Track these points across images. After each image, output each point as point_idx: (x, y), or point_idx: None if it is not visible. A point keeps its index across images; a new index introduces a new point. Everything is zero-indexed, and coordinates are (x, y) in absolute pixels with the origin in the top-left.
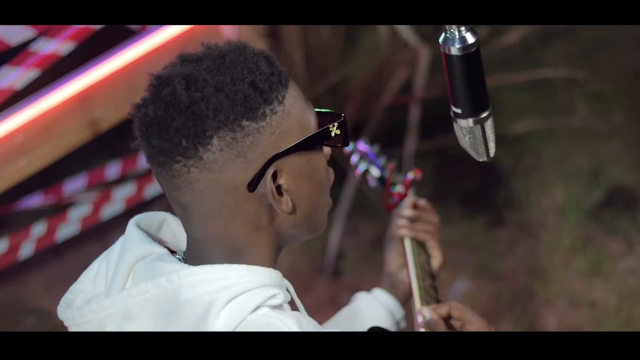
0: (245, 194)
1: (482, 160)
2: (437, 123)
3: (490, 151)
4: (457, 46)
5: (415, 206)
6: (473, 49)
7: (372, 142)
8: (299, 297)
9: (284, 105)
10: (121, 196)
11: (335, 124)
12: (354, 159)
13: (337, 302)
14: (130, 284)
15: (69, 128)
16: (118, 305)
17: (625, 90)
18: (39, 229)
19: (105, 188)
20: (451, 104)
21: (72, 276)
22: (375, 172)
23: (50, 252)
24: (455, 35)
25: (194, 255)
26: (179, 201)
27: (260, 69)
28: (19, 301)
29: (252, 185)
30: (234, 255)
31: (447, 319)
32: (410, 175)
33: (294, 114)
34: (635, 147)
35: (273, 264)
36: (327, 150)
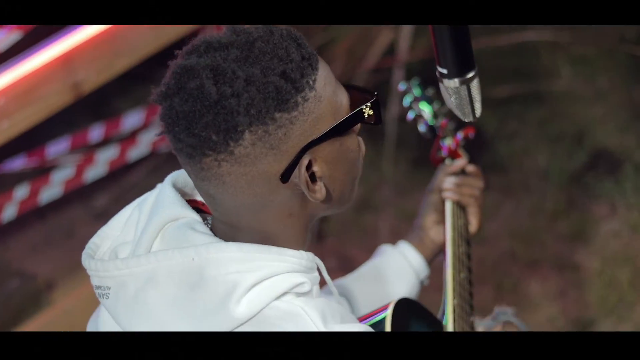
0: (277, 184)
1: (468, 120)
2: (424, 81)
3: (476, 111)
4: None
5: (463, 170)
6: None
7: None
8: None
9: (315, 89)
10: (104, 159)
11: (369, 104)
12: (407, 100)
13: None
14: (159, 245)
15: (52, 90)
16: (143, 267)
17: (609, 54)
18: (21, 191)
19: (88, 151)
20: (437, 64)
21: (55, 239)
22: (428, 117)
23: (33, 215)
24: None
25: (224, 230)
26: (207, 192)
27: (291, 55)
28: (3, 264)
29: (285, 176)
30: (265, 240)
31: None
32: (461, 134)
33: (325, 97)
34: (619, 111)
35: (304, 243)
36: (357, 126)
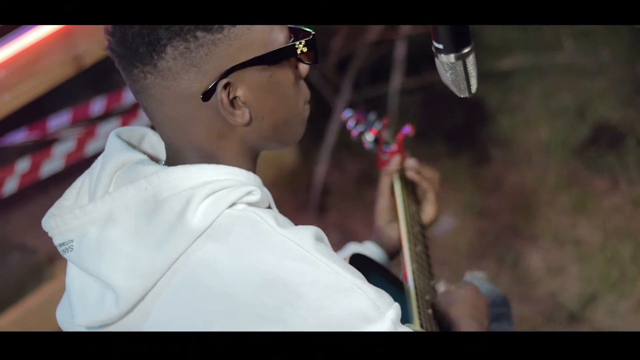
0: (200, 103)
1: (464, 96)
2: (423, 59)
3: (472, 87)
4: None
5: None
6: None
7: (358, 78)
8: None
9: None
10: (105, 132)
11: (303, 41)
12: (351, 123)
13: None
14: (113, 189)
15: (53, 63)
16: (100, 209)
17: (612, 28)
18: (23, 164)
19: (89, 124)
20: (433, 39)
21: None
22: (369, 137)
23: (34, 188)
24: None
25: (172, 161)
26: (143, 106)
27: None
28: (4, 237)
29: (206, 96)
30: (208, 160)
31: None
32: (408, 129)
33: (257, 28)
34: (621, 85)
35: (251, 170)
36: (302, 67)
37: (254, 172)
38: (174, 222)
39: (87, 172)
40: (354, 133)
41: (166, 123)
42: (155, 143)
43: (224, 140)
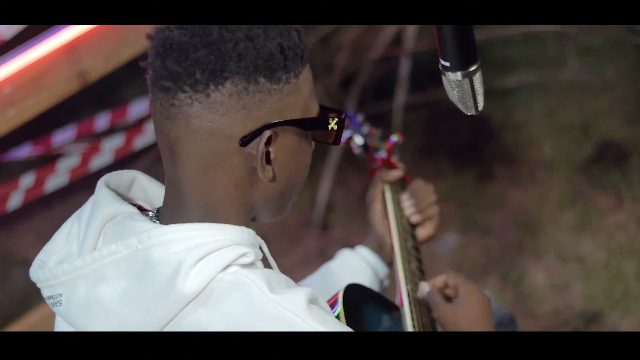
0: (236, 146)
1: (471, 114)
2: (428, 76)
3: (479, 105)
4: None
5: (404, 179)
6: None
7: (362, 94)
8: (288, 249)
9: (298, 79)
10: (110, 147)
11: (336, 118)
12: None
13: (326, 255)
14: (102, 244)
15: (58, 79)
16: (89, 267)
17: (616, 45)
18: (27, 180)
19: (94, 139)
20: (440, 57)
21: None
22: (358, 140)
23: (39, 203)
24: None
25: (168, 208)
26: (168, 135)
27: (292, 37)
28: (8, 252)
29: (246, 140)
30: (208, 211)
31: (443, 289)
32: (394, 139)
33: (303, 92)
34: (625, 102)
35: (246, 225)
36: (313, 144)
37: (248, 226)
38: (165, 287)
39: (75, 215)
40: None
41: (189, 158)
42: (147, 186)
43: (236, 191)
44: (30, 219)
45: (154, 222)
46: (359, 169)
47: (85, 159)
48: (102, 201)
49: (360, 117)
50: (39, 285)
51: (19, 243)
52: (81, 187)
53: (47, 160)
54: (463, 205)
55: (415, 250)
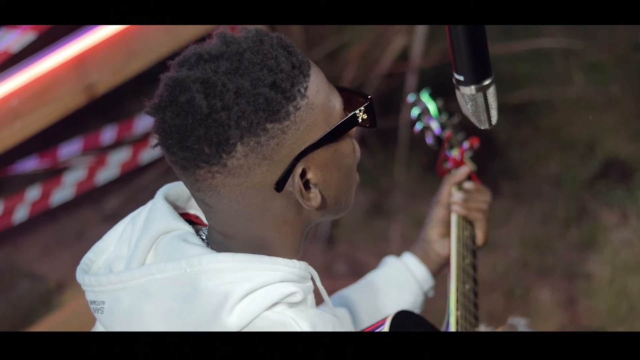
0: (272, 193)
1: (484, 128)
2: (434, 92)
3: (492, 119)
4: None
5: (470, 177)
6: None
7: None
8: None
9: (307, 97)
10: (116, 161)
11: (362, 108)
12: (415, 112)
13: (331, 270)
14: (152, 258)
15: (65, 92)
16: (136, 281)
17: (622, 62)
18: (33, 192)
19: (100, 152)
20: (453, 71)
21: (66, 240)
22: (435, 129)
23: (44, 216)
24: None
25: (217, 243)
26: (204, 200)
27: (281, 65)
28: (13, 265)
29: (280, 186)
30: (258, 248)
31: None
32: (466, 144)
33: (317, 104)
34: (631, 119)
35: (299, 251)
36: (353, 129)
37: (301, 247)
38: (209, 317)
39: (130, 218)
40: (417, 128)
41: (231, 218)
42: None
43: (287, 226)
44: (35, 231)
45: (206, 246)
46: (365, 184)
47: (92, 173)
48: (158, 214)
49: (439, 103)
50: (83, 287)
51: (24, 255)
52: (87, 201)
53: (53, 173)
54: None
55: (473, 268)
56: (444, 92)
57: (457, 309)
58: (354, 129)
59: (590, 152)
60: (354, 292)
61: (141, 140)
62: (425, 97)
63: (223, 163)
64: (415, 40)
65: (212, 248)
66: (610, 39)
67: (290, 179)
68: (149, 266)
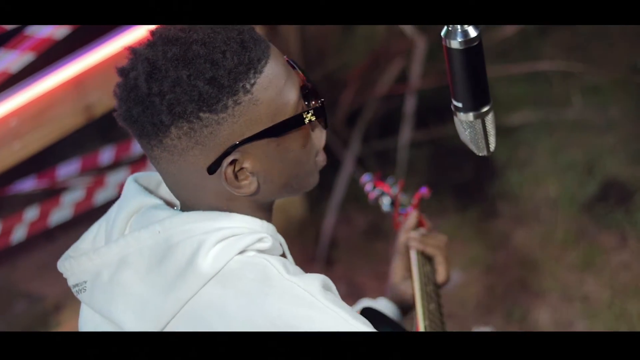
0: (207, 174)
1: (482, 154)
2: (432, 113)
3: (490, 145)
4: (459, 40)
5: (420, 222)
6: (475, 43)
7: (367, 131)
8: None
9: (251, 93)
10: (115, 182)
11: (310, 111)
12: (369, 187)
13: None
14: (128, 233)
15: (64, 112)
16: (114, 252)
17: (621, 84)
18: (31, 213)
19: (98, 173)
20: (452, 97)
21: None
22: (387, 200)
23: (42, 237)
24: (457, 29)
25: (185, 210)
26: (155, 168)
27: (227, 60)
28: (11, 285)
29: (212, 169)
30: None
31: None
32: (424, 193)
33: (263, 101)
34: (630, 141)
35: (265, 219)
36: (301, 131)
37: (269, 220)
38: (184, 266)
39: (104, 217)
40: (372, 196)
41: (176, 187)
42: None
43: (233, 201)
44: (33, 252)
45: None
46: (363, 205)
47: (90, 193)
48: (129, 194)
49: (391, 180)
50: (65, 274)
51: (22, 276)
52: (86, 221)
53: (51, 194)
54: (467, 242)
55: (436, 294)
56: (442, 115)
57: (424, 320)
58: (308, 125)
59: (589, 174)
60: None
61: (139, 161)
62: (375, 175)
63: (159, 140)
64: (413, 62)
65: None
66: (609, 61)
67: (222, 167)
68: (125, 237)
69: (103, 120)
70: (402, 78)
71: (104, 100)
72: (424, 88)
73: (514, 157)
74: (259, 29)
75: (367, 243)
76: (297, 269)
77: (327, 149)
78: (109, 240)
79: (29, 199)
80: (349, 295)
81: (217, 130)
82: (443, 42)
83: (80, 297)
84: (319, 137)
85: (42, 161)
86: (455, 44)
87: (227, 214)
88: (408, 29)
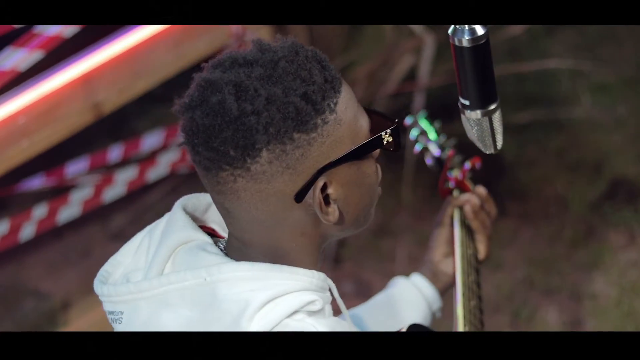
0: (292, 203)
1: (490, 152)
2: (441, 111)
3: (497, 143)
4: (467, 38)
5: (465, 187)
6: (482, 41)
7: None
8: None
9: (335, 112)
10: (123, 179)
11: (388, 131)
12: (413, 134)
13: (337, 289)
14: (170, 268)
15: (72, 110)
16: (155, 290)
17: (629, 82)
18: (40, 211)
19: (107, 171)
20: (459, 95)
21: (72, 258)
22: (434, 150)
23: (51, 235)
24: (465, 27)
25: (235, 251)
26: (223, 204)
27: (314, 77)
28: (19, 283)
29: (300, 196)
30: (277, 258)
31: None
32: (468, 165)
33: (345, 121)
34: (638, 139)
35: (316, 263)
36: (376, 151)
37: (319, 260)
38: (229, 325)
39: (147, 230)
40: (416, 149)
41: (249, 224)
42: None
43: (304, 238)
44: (42, 250)
45: (225, 255)
46: None
47: (98, 191)
48: (176, 225)
49: (437, 125)
50: (101, 299)
51: (30, 274)
52: (93, 219)
53: (59, 192)
54: None
55: (477, 286)
56: (450, 113)
57: (465, 325)
58: (377, 151)
59: (598, 173)
60: (364, 311)
61: (148, 159)
62: (422, 121)
63: (247, 167)
64: (422, 60)
65: (230, 257)
66: (618, 60)
67: (310, 191)
68: (168, 275)
69: (111, 118)
70: (411, 76)
71: (112, 98)
72: (433, 86)
73: (523, 155)
74: (267, 29)
75: (376, 242)
76: (346, 329)
77: None
78: (150, 271)
79: (37, 197)
80: (357, 293)
81: (308, 152)
82: (451, 40)
83: (115, 327)
84: (379, 167)
85: (51, 159)
86: (464, 42)
87: (279, 267)
88: (417, 27)
